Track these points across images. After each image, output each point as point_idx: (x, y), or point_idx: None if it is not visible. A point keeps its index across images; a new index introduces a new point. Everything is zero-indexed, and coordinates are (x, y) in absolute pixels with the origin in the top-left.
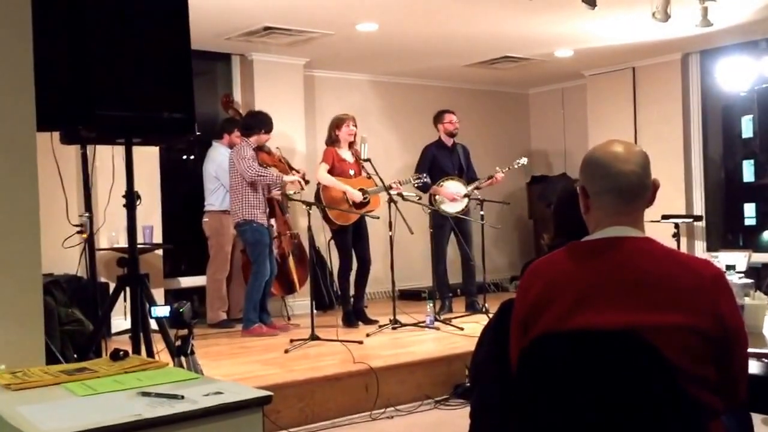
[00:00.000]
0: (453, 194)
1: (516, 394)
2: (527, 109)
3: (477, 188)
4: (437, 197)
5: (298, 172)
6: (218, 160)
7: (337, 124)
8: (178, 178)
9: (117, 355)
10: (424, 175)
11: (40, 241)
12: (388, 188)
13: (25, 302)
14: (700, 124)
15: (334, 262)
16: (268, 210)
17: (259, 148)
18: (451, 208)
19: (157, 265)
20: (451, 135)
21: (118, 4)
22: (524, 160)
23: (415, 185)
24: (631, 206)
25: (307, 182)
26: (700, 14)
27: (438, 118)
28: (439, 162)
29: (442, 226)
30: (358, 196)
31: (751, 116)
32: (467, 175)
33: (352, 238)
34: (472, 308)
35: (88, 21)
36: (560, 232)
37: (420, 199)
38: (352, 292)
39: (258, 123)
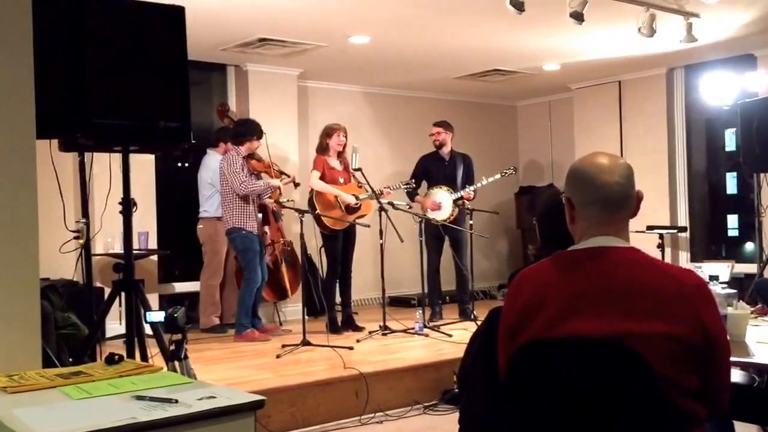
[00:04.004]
0: (432, 203)
1: (504, 400)
2: (516, 121)
3: (461, 199)
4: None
5: (288, 176)
6: (213, 167)
7: (328, 132)
8: (173, 185)
9: (112, 359)
10: (412, 181)
11: (38, 247)
12: (379, 194)
13: (23, 306)
14: (685, 137)
15: (325, 269)
16: (261, 217)
17: (250, 156)
18: (437, 216)
19: (152, 270)
20: (436, 146)
21: (117, 15)
22: (511, 170)
23: (404, 189)
24: (615, 217)
25: (297, 184)
26: (685, 30)
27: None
28: (429, 172)
29: (432, 235)
30: (350, 199)
31: (734, 130)
32: (461, 186)
33: (341, 244)
34: (464, 315)
35: (88, 31)
36: (545, 242)
37: (410, 207)
38: (338, 299)
39: (248, 130)
